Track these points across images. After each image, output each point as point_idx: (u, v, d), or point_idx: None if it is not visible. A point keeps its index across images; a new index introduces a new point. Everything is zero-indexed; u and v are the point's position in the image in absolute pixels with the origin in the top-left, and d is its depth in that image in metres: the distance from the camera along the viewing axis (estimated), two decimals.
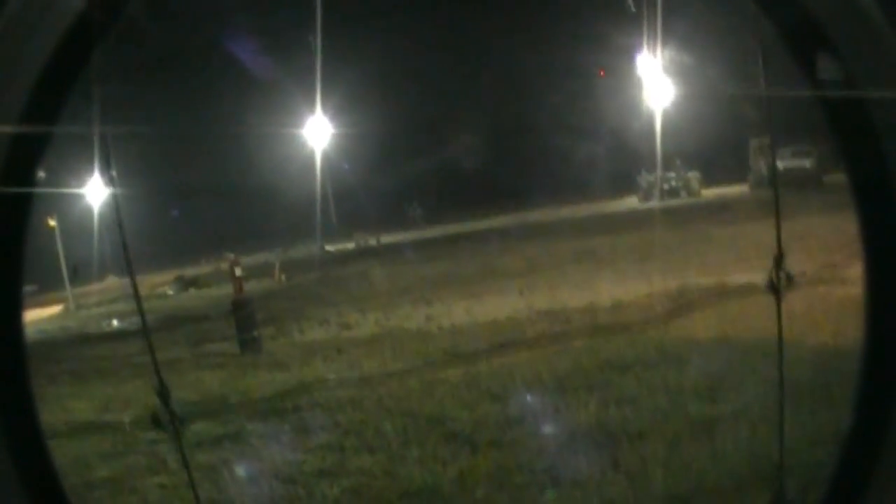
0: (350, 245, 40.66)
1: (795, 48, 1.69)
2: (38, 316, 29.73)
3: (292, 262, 34.19)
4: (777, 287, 1.87)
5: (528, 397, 10.15)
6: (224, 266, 32.58)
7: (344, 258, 35.56)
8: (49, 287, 33.48)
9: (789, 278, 1.85)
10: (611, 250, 23.26)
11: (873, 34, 1.58)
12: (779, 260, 1.86)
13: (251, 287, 25.95)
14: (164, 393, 1.72)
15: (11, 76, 1.49)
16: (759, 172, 40.50)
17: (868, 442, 1.66)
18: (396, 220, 46.28)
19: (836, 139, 1.75)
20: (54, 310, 32.90)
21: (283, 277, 31.39)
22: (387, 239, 40.87)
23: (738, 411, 8.21)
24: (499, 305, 17.06)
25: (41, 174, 1.60)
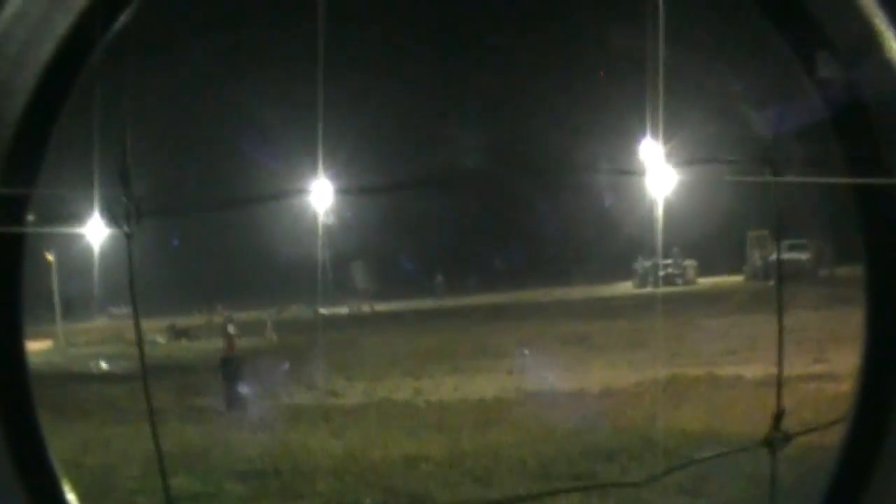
0: (344, 310, 40.55)
1: (795, 48, 1.72)
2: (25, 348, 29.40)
3: (284, 323, 34.08)
4: (773, 446, 1.86)
5: (511, 482, 10.09)
6: (217, 320, 32.48)
7: (337, 323, 35.45)
8: (40, 320, 33.23)
9: (787, 438, 1.84)
10: (603, 335, 23.28)
11: (873, 34, 1.61)
12: (778, 417, 1.86)
13: (241, 344, 25.85)
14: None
15: (12, 78, 1.52)
16: (755, 264, 40.64)
17: (868, 442, 1.67)
18: (407, 287, 45.94)
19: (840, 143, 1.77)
20: (43, 344, 32.62)
21: (274, 337, 31.30)
22: (381, 307, 40.81)
23: None
24: (487, 384, 17.03)
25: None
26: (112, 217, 1.59)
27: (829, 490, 1.73)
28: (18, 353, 1.61)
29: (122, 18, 1.62)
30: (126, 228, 1.60)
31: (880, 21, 1.61)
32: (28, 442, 1.58)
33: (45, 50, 1.53)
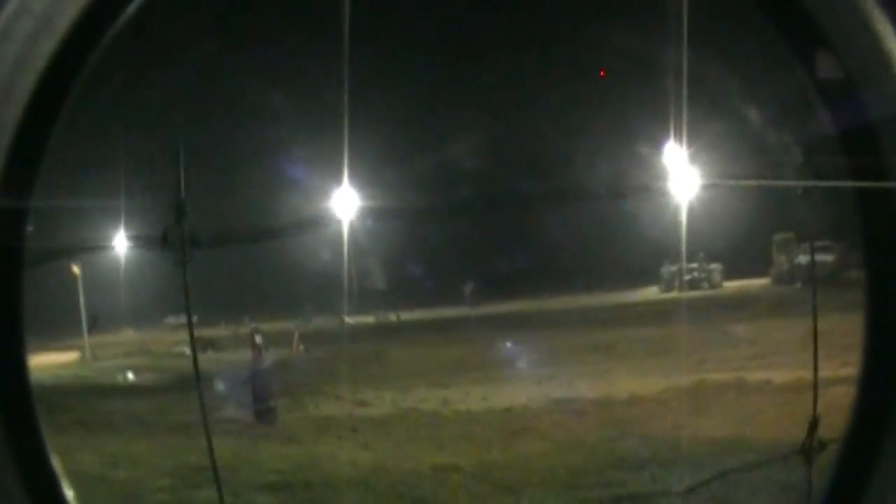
0: (370, 319, 40.41)
1: (795, 47, 1.73)
2: (52, 361, 29.54)
3: (310, 333, 34.03)
4: (810, 453, 1.87)
5: (541, 492, 10.06)
6: (243, 331, 32.45)
7: (364, 333, 35.37)
8: (66, 333, 33.38)
9: (822, 445, 1.86)
10: (630, 342, 23.15)
11: (873, 34, 1.61)
12: (814, 426, 1.87)
13: (268, 355, 25.86)
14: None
15: (12, 77, 1.52)
16: (781, 268, 40.32)
17: (868, 442, 1.67)
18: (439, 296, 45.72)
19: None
20: (70, 357, 32.71)
21: (301, 348, 31.26)
22: (406, 316, 40.71)
23: None
24: (515, 393, 16.97)
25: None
26: (168, 245, 1.62)
27: (829, 490, 1.74)
28: (20, 359, 1.63)
29: (125, 15, 1.63)
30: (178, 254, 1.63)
31: (880, 20, 1.62)
32: (29, 443, 1.60)
33: (45, 50, 1.52)
